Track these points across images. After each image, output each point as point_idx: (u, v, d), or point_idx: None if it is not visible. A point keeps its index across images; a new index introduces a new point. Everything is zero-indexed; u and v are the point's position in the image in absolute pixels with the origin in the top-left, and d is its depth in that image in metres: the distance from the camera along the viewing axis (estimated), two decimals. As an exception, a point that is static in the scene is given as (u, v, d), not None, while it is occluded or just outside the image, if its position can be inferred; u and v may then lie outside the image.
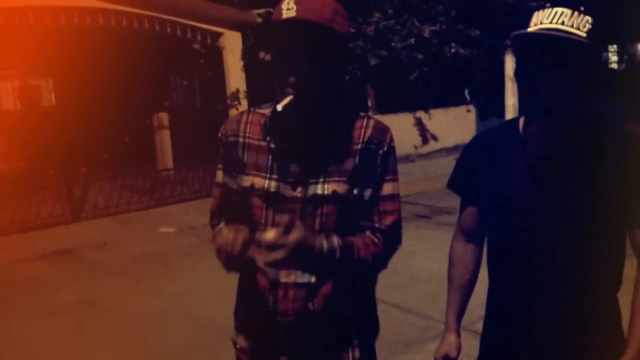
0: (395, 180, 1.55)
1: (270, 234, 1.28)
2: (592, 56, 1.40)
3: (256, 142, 1.52)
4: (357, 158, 1.49)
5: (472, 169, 1.68)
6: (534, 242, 1.52)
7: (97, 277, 5.59)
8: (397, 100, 11.04)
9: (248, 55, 9.10)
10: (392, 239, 1.55)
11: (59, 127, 9.14)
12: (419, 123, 11.87)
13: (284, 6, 1.41)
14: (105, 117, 10.93)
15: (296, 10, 1.39)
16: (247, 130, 1.54)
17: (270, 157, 1.50)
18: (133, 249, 6.53)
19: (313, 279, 1.48)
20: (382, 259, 1.54)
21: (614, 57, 17.93)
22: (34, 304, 4.91)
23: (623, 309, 1.56)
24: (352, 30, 9.83)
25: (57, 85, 12.34)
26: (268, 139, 1.50)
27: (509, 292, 1.61)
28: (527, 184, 1.52)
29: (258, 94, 8.51)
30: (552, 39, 1.38)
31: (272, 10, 1.67)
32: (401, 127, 11.00)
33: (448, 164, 4.13)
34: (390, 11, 10.13)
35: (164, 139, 11.10)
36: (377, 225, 1.52)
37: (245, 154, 1.53)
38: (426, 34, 9.84)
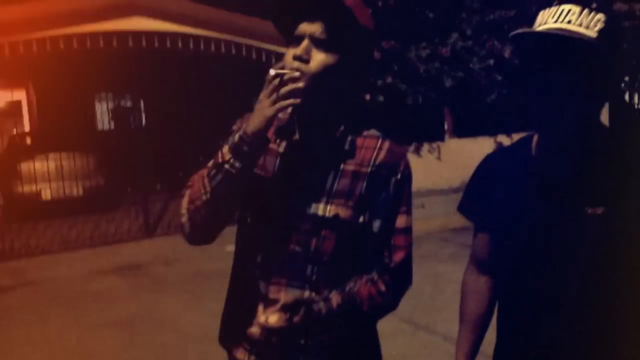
0: (410, 212, 1.41)
1: (273, 319, 1.26)
2: (604, 59, 1.23)
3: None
4: (365, 182, 1.36)
5: (482, 191, 1.55)
6: (546, 266, 1.37)
7: (159, 293, 5.73)
8: (477, 124, 10.67)
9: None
10: (402, 280, 1.42)
11: (142, 146, 9.59)
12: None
13: None
14: (186, 137, 11.37)
15: None
16: None
17: (277, 161, 1.41)
18: (198, 266, 6.64)
19: (304, 295, 1.37)
20: (388, 306, 1.42)
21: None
22: (97, 316, 5.09)
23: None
24: (428, 51, 9.68)
25: (143, 107, 13.00)
26: (278, 142, 1.42)
27: (521, 318, 1.45)
28: (538, 205, 1.38)
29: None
30: (555, 39, 1.22)
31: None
32: (481, 151, 10.49)
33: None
34: (469, 32, 9.84)
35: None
36: (386, 261, 1.38)
37: None
38: (506, 55, 9.46)
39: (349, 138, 1.39)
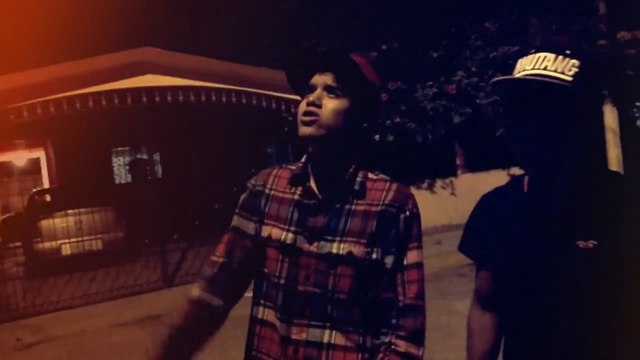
0: (419, 247, 1.48)
1: None
2: (580, 101, 1.31)
3: (280, 194, 1.53)
4: (375, 221, 1.44)
5: (480, 230, 1.60)
6: (541, 307, 1.42)
7: (179, 343, 5.74)
8: (488, 157, 10.71)
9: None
10: (419, 316, 1.46)
11: (159, 197, 9.75)
12: (514, 179, 11.41)
13: None
14: (201, 187, 11.55)
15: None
16: (274, 183, 1.56)
17: (291, 208, 1.49)
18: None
19: (325, 339, 1.42)
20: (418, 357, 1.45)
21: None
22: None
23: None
24: (434, 90, 9.84)
25: (159, 158, 13.25)
26: (292, 190, 1.51)
27: (525, 350, 1.49)
28: (532, 241, 1.43)
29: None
30: (532, 84, 1.30)
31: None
32: (495, 184, 10.50)
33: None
34: (473, 68, 10.02)
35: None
36: (400, 298, 1.43)
37: (268, 205, 1.53)
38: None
39: (359, 179, 1.47)
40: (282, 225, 1.48)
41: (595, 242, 1.34)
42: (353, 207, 1.45)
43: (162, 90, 8.21)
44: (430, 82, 10.00)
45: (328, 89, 1.43)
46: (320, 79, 1.44)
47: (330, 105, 1.42)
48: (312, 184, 1.49)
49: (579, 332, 1.37)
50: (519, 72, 1.35)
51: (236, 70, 9.01)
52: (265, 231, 1.50)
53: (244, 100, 9.00)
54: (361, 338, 1.43)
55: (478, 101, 10.06)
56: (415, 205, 1.47)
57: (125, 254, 9.71)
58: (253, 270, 1.55)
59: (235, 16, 13.47)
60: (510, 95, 1.38)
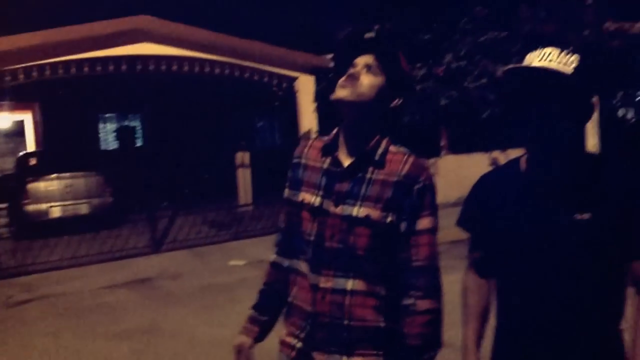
0: (433, 215, 1.64)
1: None
2: (579, 90, 1.52)
3: (312, 163, 1.75)
4: (392, 189, 1.63)
5: (478, 207, 1.76)
6: (538, 275, 1.58)
7: (167, 305, 5.96)
8: (472, 140, 10.98)
9: (320, 97, 9.48)
10: (432, 276, 1.64)
11: (147, 165, 9.88)
12: (495, 163, 11.69)
13: None
14: (190, 156, 11.66)
15: None
16: (308, 153, 1.78)
17: (320, 176, 1.71)
18: (204, 280, 6.90)
19: (348, 286, 1.64)
20: (438, 310, 1.65)
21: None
22: (107, 327, 5.32)
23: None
24: (423, 71, 10.05)
25: (148, 126, 13.32)
26: (323, 159, 1.73)
27: (513, 325, 1.66)
28: (528, 217, 1.60)
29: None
30: (539, 73, 1.51)
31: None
32: (477, 167, 10.78)
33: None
34: (462, 52, 10.22)
35: (246, 176, 11.68)
36: (414, 259, 1.62)
37: (302, 173, 1.76)
38: (499, 74, 9.81)
39: (380, 151, 1.68)
40: (313, 190, 1.70)
41: (590, 214, 1.51)
42: (373, 176, 1.65)
43: (157, 59, 8.28)
44: (420, 64, 10.20)
45: (368, 67, 1.65)
46: (362, 60, 1.66)
47: (367, 79, 1.64)
48: (341, 153, 1.70)
49: (572, 299, 1.54)
50: (528, 64, 1.55)
51: (231, 43, 9.09)
52: (300, 197, 1.73)
53: (236, 73, 9.10)
54: (379, 287, 1.65)
55: (465, 85, 10.28)
56: (428, 177, 1.67)
57: (113, 219, 9.85)
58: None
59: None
60: (516, 83, 1.58)
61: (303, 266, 1.73)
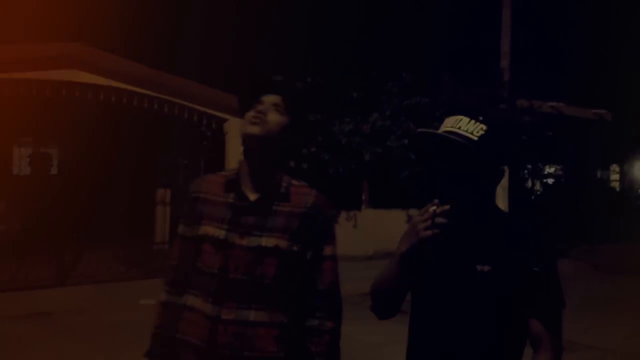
0: (334, 243, 1.83)
1: None
2: (482, 156, 1.63)
3: (213, 197, 1.81)
4: (299, 220, 1.77)
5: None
6: (441, 319, 1.68)
7: (68, 342, 5.68)
8: (391, 197, 11.34)
9: (248, 141, 9.55)
10: (335, 299, 1.80)
11: (60, 194, 9.47)
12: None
13: None
14: (108, 189, 11.31)
15: None
16: (207, 188, 1.84)
17: (225, 209, 1.78)
18: (110, 317, 6.63)
19: (251, 317, 1.70)
20: (336, 331, 1.80)
21: (615, 177, 18.51)
22: (2, 361, 5.00)
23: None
24: (351, 126, 10.44)
25: (62, 154, 12.87)
26: (226, 194, 1.79)
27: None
28: (436, 264, 1.71)
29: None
30: (447, 139, 1.63)
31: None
32: (393, 223, 11.16)
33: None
34: (388, 112, 10.72)
35: (165, 214, 11.41)
36: (318, 283, 1.77)
37: (202, 207, 1.81)
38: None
39: (284, 184, 1.81)
40: (217, 224, 1.77)
41: (490, 267, 1.62)
42: (279, 208, 1.78)
43: (84, 86, 8.11)
44: (348, 119, 10.61)
45: (275, 105, 1.78)
46: (270, 99, 1.79)
47: (274, 117, 1.77)
48: (245, 187, 1.80)
49: (470, 346, 1.63)
50: (442, 128, 1.69)
51: (163, 79, 9.05)
52: (203, 230, 1.78)
53: (166, 109, 9.04)
54: (281, 316, 1.74)
55: (389, 143, 10.73)
56: (330, 210, 1.86)
57: (19, 248, 9.32)
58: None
59: (168, 27, 13.49)
60: (430, 145, 1.72)
61: (197, 301, 1.77)
